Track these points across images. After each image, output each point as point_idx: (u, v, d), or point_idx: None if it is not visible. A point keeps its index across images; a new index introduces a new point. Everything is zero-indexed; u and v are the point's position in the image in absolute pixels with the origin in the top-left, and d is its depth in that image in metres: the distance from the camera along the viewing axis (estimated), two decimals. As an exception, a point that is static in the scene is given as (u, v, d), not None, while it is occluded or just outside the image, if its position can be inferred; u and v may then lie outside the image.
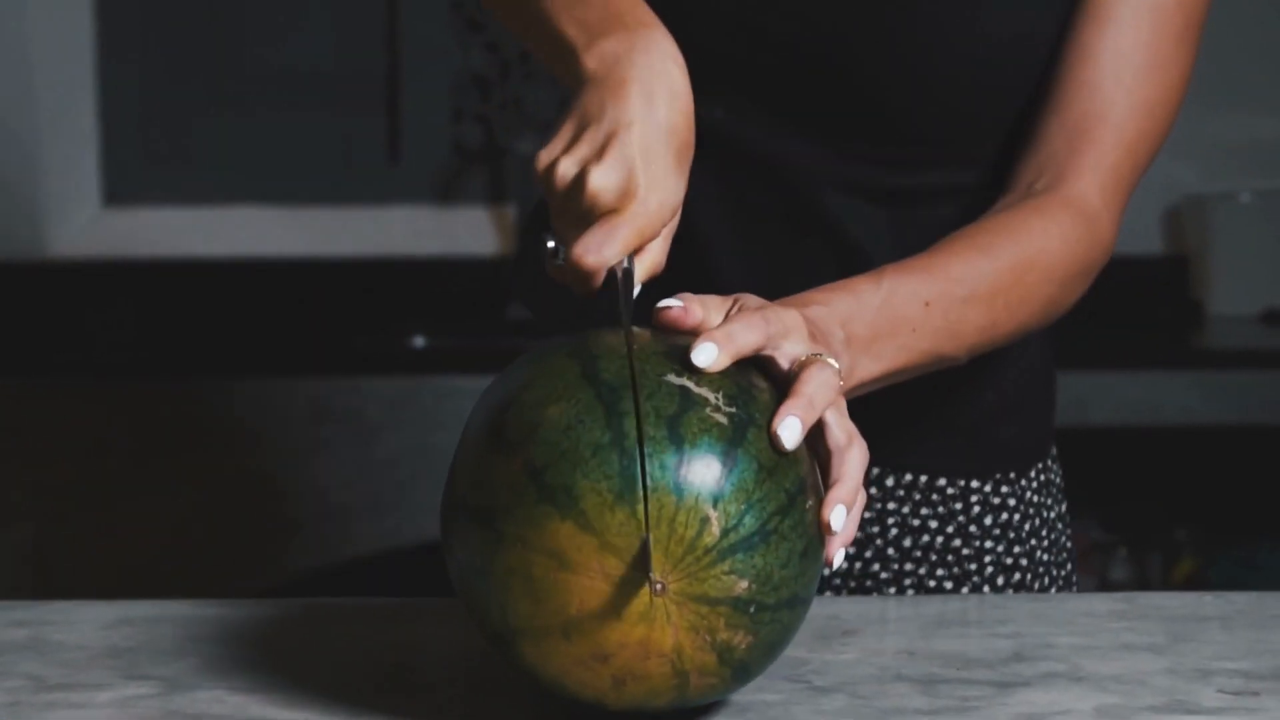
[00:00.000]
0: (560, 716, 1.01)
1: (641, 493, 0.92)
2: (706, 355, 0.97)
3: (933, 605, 1.24)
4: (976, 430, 1.39)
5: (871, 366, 1.13)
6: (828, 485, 1.00)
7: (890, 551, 1.38)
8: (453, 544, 0.98)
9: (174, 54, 3.41)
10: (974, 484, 1.39)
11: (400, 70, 3.41)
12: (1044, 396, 1.44)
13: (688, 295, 1.03)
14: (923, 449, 1.38)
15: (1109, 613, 1.22)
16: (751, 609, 0.94)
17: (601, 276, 1.03)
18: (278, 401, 2.82)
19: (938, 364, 1.19)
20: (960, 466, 1.38)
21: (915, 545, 1.38)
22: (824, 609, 1.22)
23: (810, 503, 0.97)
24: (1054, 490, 1.45)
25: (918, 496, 1.38)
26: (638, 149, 1.04)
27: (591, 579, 0.92)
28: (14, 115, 3.29)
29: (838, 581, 1.38)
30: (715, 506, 0.93)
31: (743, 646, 0.95)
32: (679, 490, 0.92)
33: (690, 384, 0.96)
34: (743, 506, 0.93)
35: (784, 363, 1.02)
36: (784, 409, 0.97)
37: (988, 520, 1.39)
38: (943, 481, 1.38)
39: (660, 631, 0.93)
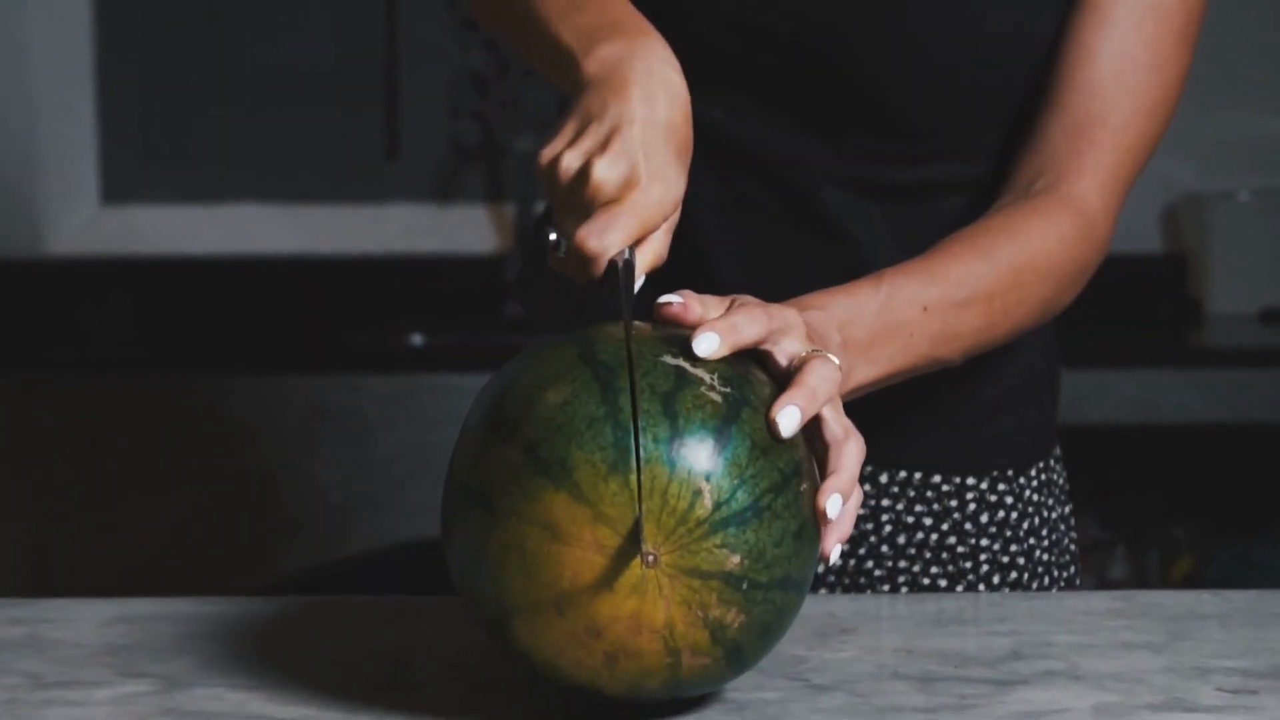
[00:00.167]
0: (558, 713, 1.01)
1: (635, 464, 0.92)
2: (708, 344, 0.98)
3: (930, 603, 1.24)
4: (970, 427, 1.39)
5: (868, 371, 1.14)
6: (824, 477, 1.00)
7: (884, 548, 1.38)
8: (452, 532, 0.99)
9: (173, 52, 3.40)
10: (970, 481, 1.39)
11: (399, 69, 3.40)
12: (1045, 396, 1.43)
13: (688, 292, 1.03)
14: (916, 445, 1.38)
15: (1107, 611, 1.22)
16: (744, 585, 0.94)
17: (603, 263, 1.03)
18: (276, 399, 2.82)
19: (932, 367, 1.20)
20: (955, 463, 1.38)
21: (910, 542, 1.38)
22: (821, 606, 1.22)
23: (805, 486, 0.98)
24: (1056, 490, 1.44)
25: (912, 493, 1.38)
26: (640, 144, 1.05)
27: (584, 550, 0.93)
28: (13, 113, 3.29)
29: (832, 578, 1.38)
30: (708, 480, 0.94)
31: (735, 625, 0.95)
32: (672, 463, 0.93)
33: (687, 365, 0.97)
34: (735, 481, 0.94)
35: (782, 359, 1.03)
36: (785, 397, 0.98)
37: (984, 518, 1.39)
38: (937, 478, 1.38)
39: (652, 605, 0.93)
